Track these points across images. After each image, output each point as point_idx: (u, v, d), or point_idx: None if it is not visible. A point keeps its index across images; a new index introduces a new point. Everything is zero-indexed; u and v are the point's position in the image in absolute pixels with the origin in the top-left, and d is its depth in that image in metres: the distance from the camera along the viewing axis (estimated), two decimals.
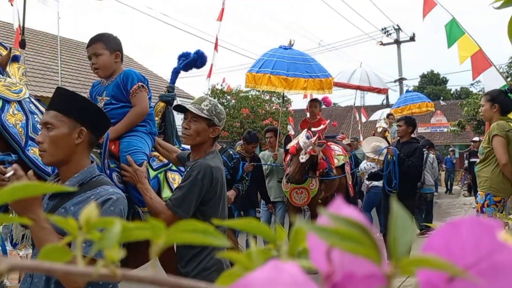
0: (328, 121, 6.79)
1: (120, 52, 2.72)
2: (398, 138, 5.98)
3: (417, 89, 46.80)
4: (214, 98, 18.82)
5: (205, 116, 2.39)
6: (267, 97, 17.47)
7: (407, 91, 13.95)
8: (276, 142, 6.46)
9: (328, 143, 6.72)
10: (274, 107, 16.99)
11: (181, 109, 2.54)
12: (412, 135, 6.01)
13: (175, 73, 3.38)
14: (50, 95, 10.23)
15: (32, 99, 2.63)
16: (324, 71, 6.99)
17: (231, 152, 4.56)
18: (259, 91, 19.17)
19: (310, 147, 5.51)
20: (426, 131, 27.42)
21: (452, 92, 50.76)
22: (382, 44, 22.84)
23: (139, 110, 2.65)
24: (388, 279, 0.27)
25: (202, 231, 0.35)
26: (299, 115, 27.04)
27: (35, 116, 2.48)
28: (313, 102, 6.76)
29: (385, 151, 5.92)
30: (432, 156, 8.36)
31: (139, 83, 2.67)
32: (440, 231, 0.29)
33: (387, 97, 24.45)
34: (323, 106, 7.44)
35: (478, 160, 4.30)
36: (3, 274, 0.31)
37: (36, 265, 0.32)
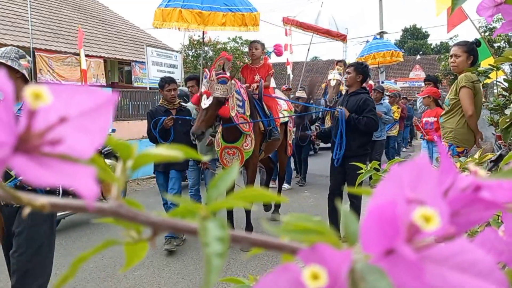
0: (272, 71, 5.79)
1: None
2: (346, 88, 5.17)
3: (398, 43, 46.77)
4: (192, 50, 18.57)
5: None
6: (246, 49, 17.30)
7: (374, 37, 12.86)
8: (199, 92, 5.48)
9: (273, 96, 5.89)
10: None
11: None
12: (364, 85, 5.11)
13: None
14: (21, 43, 10.08)
15: None
16: (247, 4, 6.10)
17: None
18: (237, 42, 18.95)
19: (207, 85, 4.53)
20: (405, 85, 27.67)
21: (432, 46, 50.85)
22: None
23: None
24: None
25: None
26: (279, 68, 26.83)
27: None
28: (253, 43, 5.70)
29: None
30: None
31: None
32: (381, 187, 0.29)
33: None
34: (274, 56, 6.47)
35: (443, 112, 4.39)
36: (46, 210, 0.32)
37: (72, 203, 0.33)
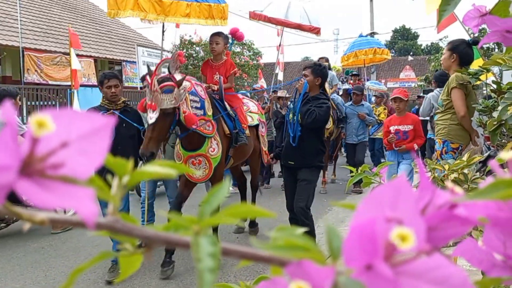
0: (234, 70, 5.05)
1: None
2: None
3: (389, 43, 47.18)
4: (183, 49, 18.51)
5: None
6: (238, 49, 17.29)
7: (360, 35, 12.57)
8: None
9: (240, 97, 5.27)
10: (244, 60, 16.85)
11: None
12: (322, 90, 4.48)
13: None
14: (10, 43, 9.99)
15: None
16: None
17: None
18: (230, 43, 18.94)
19: (150, 96, 3.79)
20: (395, 86, 27.90)
21: (422, 47, 51.33)
22: None
23: None
24: None
25: None
26: (270, 68, 26.86)
27: None
28: (213, 36, 4.95)
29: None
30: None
31: None
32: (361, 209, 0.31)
33: None
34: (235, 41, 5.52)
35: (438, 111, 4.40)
36: (45, 225, 0.34)
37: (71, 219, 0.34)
